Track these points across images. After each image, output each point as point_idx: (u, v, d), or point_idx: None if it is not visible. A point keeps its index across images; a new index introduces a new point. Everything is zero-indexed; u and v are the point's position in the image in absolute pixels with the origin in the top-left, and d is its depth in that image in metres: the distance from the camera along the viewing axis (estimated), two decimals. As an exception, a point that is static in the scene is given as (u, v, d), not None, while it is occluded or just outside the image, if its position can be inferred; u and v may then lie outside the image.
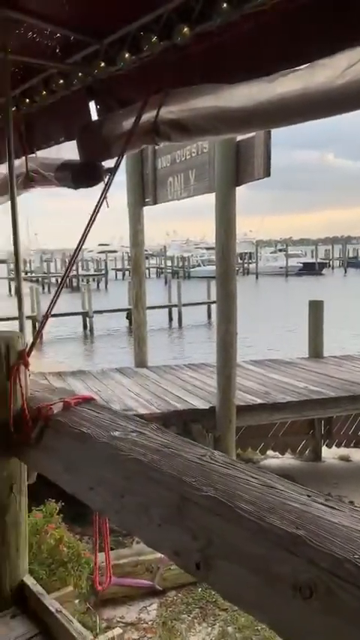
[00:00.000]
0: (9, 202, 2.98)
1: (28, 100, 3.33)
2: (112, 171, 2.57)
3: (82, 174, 3.28)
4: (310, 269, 58.85)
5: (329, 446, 8.47)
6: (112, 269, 57.86)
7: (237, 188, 6.56)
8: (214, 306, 17.36)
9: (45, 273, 49.35)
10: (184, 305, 26.84)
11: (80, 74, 2.86)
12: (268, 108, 2.12)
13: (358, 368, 9.24)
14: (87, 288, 26.65)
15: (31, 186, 4.05)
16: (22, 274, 3.07)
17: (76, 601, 4.11)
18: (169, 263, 59.47)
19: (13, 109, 3.24)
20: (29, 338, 2.23)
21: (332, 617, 0.90)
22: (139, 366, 9.41)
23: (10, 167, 2.97)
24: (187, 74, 2.37)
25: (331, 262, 71.49)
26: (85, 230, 2.24)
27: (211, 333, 21.29)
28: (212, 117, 2.39)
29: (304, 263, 61.24)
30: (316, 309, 10.53)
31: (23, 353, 2.02)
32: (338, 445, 8.45)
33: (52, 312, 2.35)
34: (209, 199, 6.94)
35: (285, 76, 2.01)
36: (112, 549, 2.68)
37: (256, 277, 56.44)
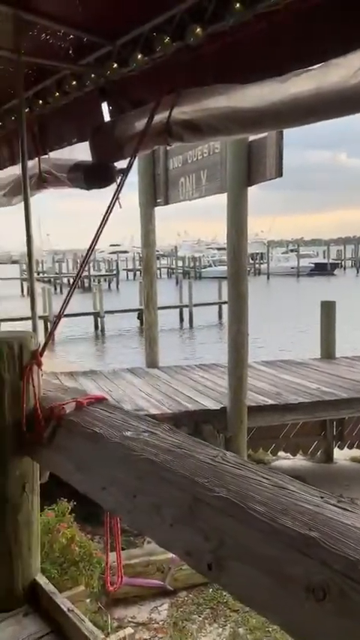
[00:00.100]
0: (22, 203, 3.00)
1: (41, 102, 3.35)
2: (125, 172, 2.58)
3: (95, 175, 3.30)
4: (322, 269, 58.53)
5: (341, 447, 8.41)
6: (124, 269, 58.02)
7: (249, 188, 6.55)
8: (225, 307, 17.34)
9: (57, 273, 49.62)
10: (195, 305, 26.83)
11: (93, 75, 2.87)
12: (280, 108, 2.12)
13: (371, 369, 9.18)
14: (98, 288, 26.72)
15: (43, 187, 4.08)
16: (35, 275, 3.09)
17: (88, 600, 4.12)
18: (180, 263, 59.51)
19: (27, 110, 3.26)
20: (41, 338, 2.24)
21: (345, 620, 0.90)
22: (150, 367, 9.42)
23: (24, 168, 2.99)
24: (200, 74, 2.37)
25: (343, 262, 71.10)
26: (98, 230, 2.25)
27: (222, 333, 21.28)
28: (225, 117, 2.39)
29: (315, 263, 60.93)
30: (328, 309, 10.48)
31: (36, 353, 2.03)
32: (350, 447, 8.39)
33: (64, 313, 2.36)
34: (221, 200, 6.92)
35: (298, 76, 2.01)
36: (123, 549, 2.68)
37: (268, 278, 56.25)
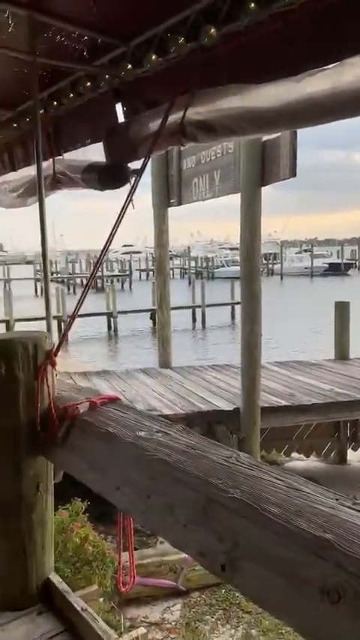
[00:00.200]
0: (36, 204, 3.02)
1: (55, 103, 3.36)
2: (139, 172, 2.58)
3: (109, 175, 3.31)
4: (336, 269, 58.15)
5: (355, 449, 8.35)
6: (137, 270, 58.06)
7: (262, 188, 6.53)
8: (238, 307, 17.29)
9: (70, 274, 49.83)
10: (208, 306, 26.78)
11: (107, 76, 2.88)
12: (295, 108, 2.11)
13: (385, 370, 9.10)
14: (111, 288, 26.79)
15: (57, 188, 4.10)
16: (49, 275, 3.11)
17: (101, 599, 4.14)
18: (193, 264, 59.45)
19: (41, 111, 3.28)
20: (55, 338, 2.25)
21: (361, 622, 0.89)
22: (163, 367, 9.43)
23: (39, 169, 3.01)
24: (214, 75, 2.37)
25: (357, 263, 70.59)
26: (112, 231, 2.25)
27: (235, 334, 21.22)
28: (239, 117, 2.39)
29: (329, 263, 60.54)
30: (342, 310, 10.42)
31: (50, 353, 2.04)
32: (364, 448, 8.34)
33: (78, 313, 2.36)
34: (234, 200, 6.91)
35: (313, 76, 2.00)
36: (136, 549, 2.69)
37: (281, 278, 56.01)
